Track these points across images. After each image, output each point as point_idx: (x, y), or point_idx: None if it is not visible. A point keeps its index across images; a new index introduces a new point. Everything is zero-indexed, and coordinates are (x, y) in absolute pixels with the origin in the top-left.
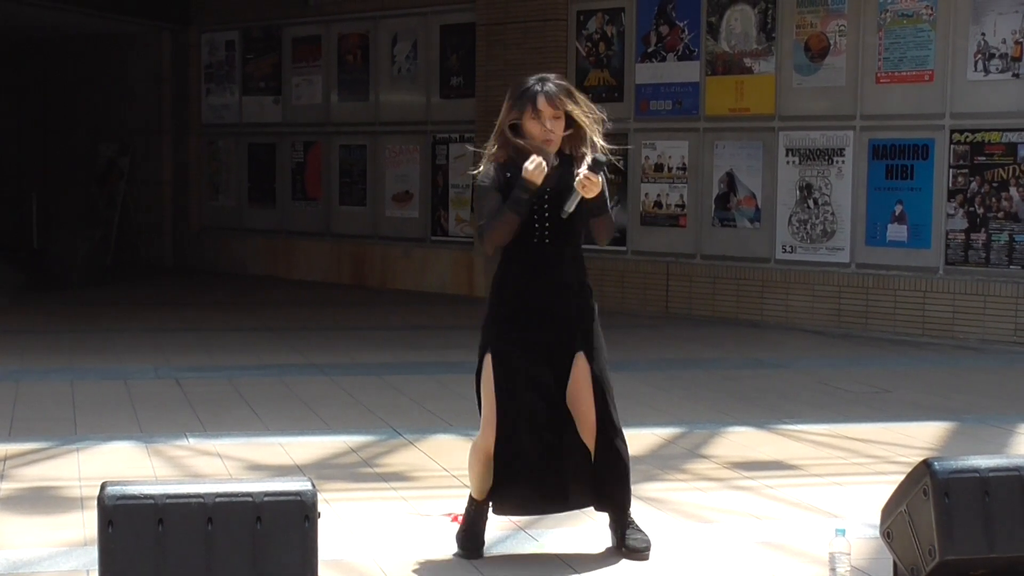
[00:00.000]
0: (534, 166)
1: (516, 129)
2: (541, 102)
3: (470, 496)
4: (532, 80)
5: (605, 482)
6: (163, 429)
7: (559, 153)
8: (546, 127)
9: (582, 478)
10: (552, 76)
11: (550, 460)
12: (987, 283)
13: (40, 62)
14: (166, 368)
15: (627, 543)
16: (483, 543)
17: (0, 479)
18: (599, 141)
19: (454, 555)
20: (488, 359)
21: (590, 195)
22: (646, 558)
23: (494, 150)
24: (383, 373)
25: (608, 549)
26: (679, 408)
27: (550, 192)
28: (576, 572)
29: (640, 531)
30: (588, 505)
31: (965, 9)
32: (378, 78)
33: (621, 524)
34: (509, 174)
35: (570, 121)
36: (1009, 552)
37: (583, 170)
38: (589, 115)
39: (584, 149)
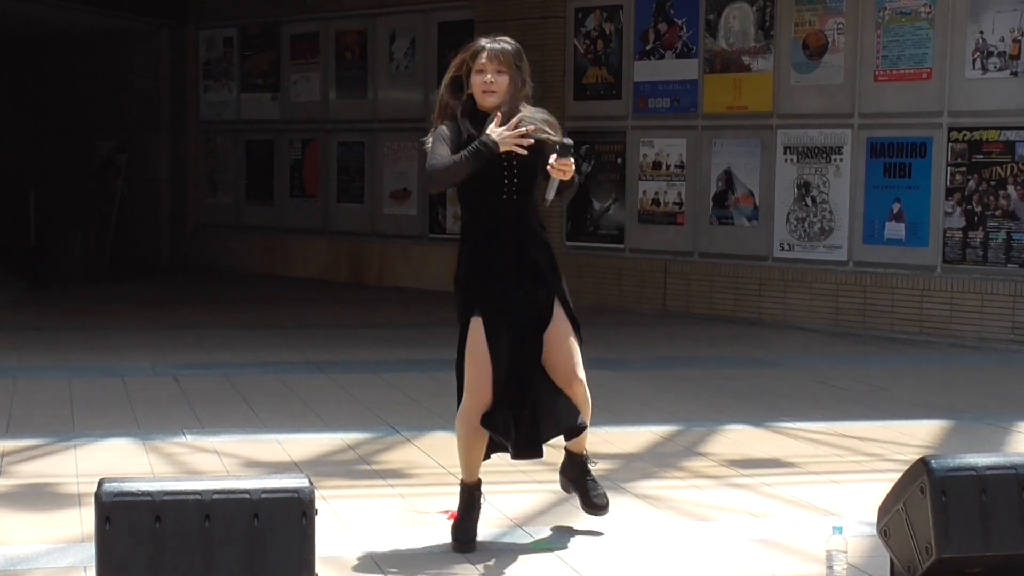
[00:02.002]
0: (500, 137)
1: (458, 81)
2: (483, 56)
3: (461, 482)
4: (485, 39)
5: (570, 414)
6: (160, 426)
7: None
8: (486, 79)
9: (549, 415)
10: (506, 38)
11: (528, 413)
12: (985, 281)
13: (37, 59)
14: (163, 365)
15: (592, 502)
16: (475, 535)
17: None
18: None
19: (450, 548)
20: (478, 323)
21: (566, 179)
22: (606, 512)
23: (446, 99)
24: (381, 370)
25: (602, 543)
26: (676, 406)
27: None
28: (574, 569)
29: (599, 487)
30: (554, 437)
31: (963, 7)
32: (376, 75)
33: (580, 467)
34: (465, 134)
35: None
36: (1005, 550)
37: (553, 157)
38: (525, 79)
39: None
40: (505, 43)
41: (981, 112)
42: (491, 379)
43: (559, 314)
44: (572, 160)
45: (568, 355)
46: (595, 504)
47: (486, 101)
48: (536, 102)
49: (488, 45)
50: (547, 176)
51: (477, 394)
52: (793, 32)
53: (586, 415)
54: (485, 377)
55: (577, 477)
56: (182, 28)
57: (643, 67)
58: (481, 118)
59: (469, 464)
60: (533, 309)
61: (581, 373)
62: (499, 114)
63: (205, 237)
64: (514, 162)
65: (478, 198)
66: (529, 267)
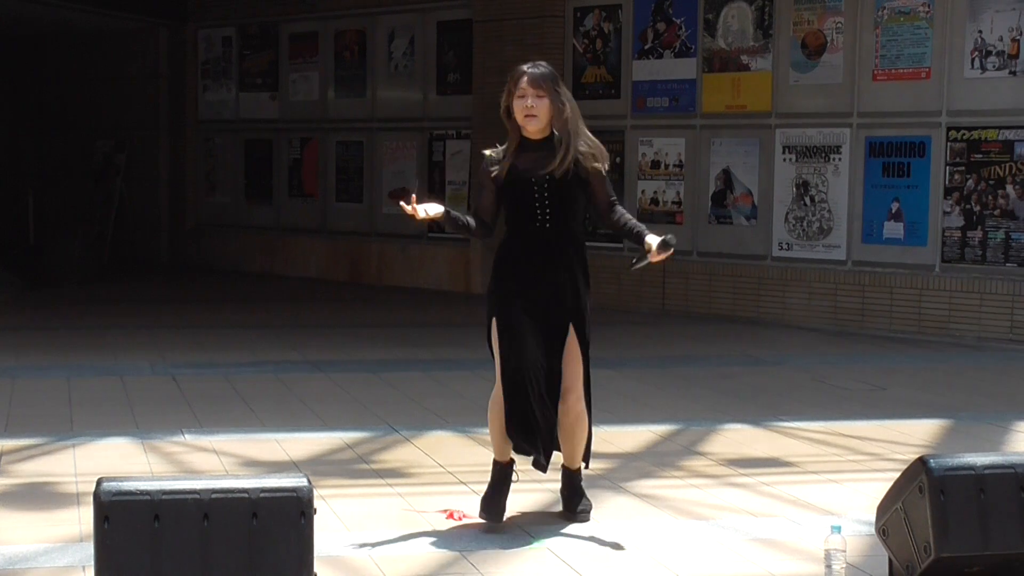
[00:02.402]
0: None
1: (509, 111)
2: (524, 81)
3: (493, 460)
4: (526, 64)
5: (570, 441)
6: (159, 425)
7: (549, 137)
8: (527, 104)
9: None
10: (544, 63)
11: (545, 413)
12: (983, 281)
13: (36, 58)
14: (162, 365)
15: (577, 511)
16: (504, 509)
17: None
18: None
19: (479, 516)
20: (494, 324)
21: (656, 263)
22: (587, 519)
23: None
24: (379, 370)
25: (601, 543)
26: (675, 405)
27: (549, 179)
28: (573, 568)
29: (586, 498)
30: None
31: (962, 7)
32: (375, 74)
33: (574, 487)
34: (494, 168)
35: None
36: (1004, 549)
37: (656, 244)
38: (568, 104)
39: (570, 138)
40: (543, 67)
41: (980, 111)
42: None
43: (571, 339)
44: (671, 252)
45: (570, 375)
46: (580, 511)
47: (529, 126)
48: None
49: (528, 70)
50: (642, 254)
51: (499, 387)
52: (792, 31)
53: (576, 438)
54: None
55: (572, 477)
56: (181, 27)
57: (642, 66)
58: (529, 146)
59: (501, 446)
60: (550, 330)
61: (579, 392)
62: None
63: (204, 236)
64: (546, 193)
65: (515, 222)
66: (551, 290)
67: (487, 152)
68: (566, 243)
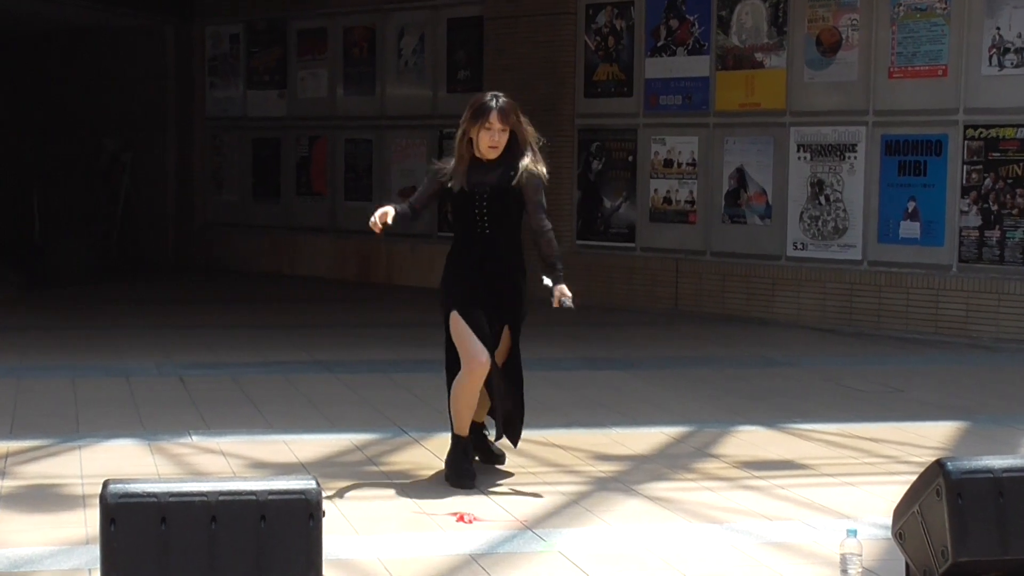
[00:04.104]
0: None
1: (465, 136)
2: (493, 117)
3: (455, 435)
4: (488, 96)
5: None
6: (166, 426)
7: (502, 156)
8: (494, 139)
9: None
10: (502, 95)
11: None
12: (1001, 281)
13: (42, 56)
14: (169, 365)
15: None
16: (475, 474)
17: (1, 476)
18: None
19: (448, 481)
20: (455, 315)
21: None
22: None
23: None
24: (389, 371)
25: (612, 546)
26: (688, 407)
27: (490, 189)
28: (583, 572)
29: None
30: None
31: (979, 3)
32: (384, 72)
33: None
34: (448, 181)
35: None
36: (1023, 554)
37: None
38: (528, 129)
39: (524, 155)
40: (504, 99)
41: (997, 109)
42: (478, 343)
43: (505, 338)
44: (561, 286)
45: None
46: (494, 454)
47: (489, 155)
48: (546, 100)
49: (495, 105)
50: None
51: (472, 366)
52: (806, 28)
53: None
54: (473, 343)
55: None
56: (188, 24)
57: (654, 64)
58: (477, 163)
59: (466, 422)
60: (492, 325)
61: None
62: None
63: (211, 235)
64: (485, 202)
65: (459, 227)
66: (493, 291)
67: (438, 164)
68: (505, 246)
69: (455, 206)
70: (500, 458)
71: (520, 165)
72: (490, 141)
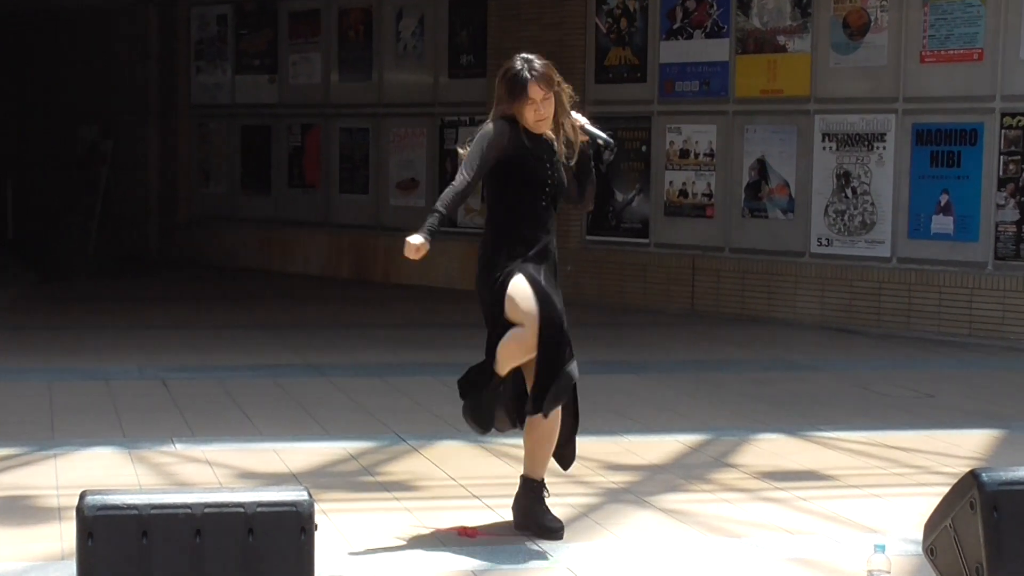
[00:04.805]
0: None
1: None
2: (532, 90)
3: (494, 372)
4: (519, 65)
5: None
6: (148, 434)
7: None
8: (540, 112)
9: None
10: (534, 57)
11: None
12: None
13: (17, 38)
14: (151, 368)
15: (546, 525)
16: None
17: None
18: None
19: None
20: (520, 277)
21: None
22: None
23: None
24: (386, 374)
25: (623, 561)
26: (705, 413)
27: (553, 162)
28: None
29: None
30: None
31: None
32: (382, 56)
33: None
34: (522, 144)
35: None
36: None
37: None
38: (565, 87)
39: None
40: (538, 62)
41: None
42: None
43: None
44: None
45: None
46: (549, 528)
47: (541, 128)
48: None
49: (531, 75)
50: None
51: (535, 327)
52: (832, 10)
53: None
54: (535, 311)
55: (532, 504)
56: (172, 4)
57: (670, 47)
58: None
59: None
60: None
61: None
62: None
63: (197, 230)
64: (554, 172)
65: (518, 198)
66: (551, 271)
67: (491, 124)
68: (553, 221)
69: (513, 177)
70: (556, 531)
71: (571, 140)
72: (536, 116)
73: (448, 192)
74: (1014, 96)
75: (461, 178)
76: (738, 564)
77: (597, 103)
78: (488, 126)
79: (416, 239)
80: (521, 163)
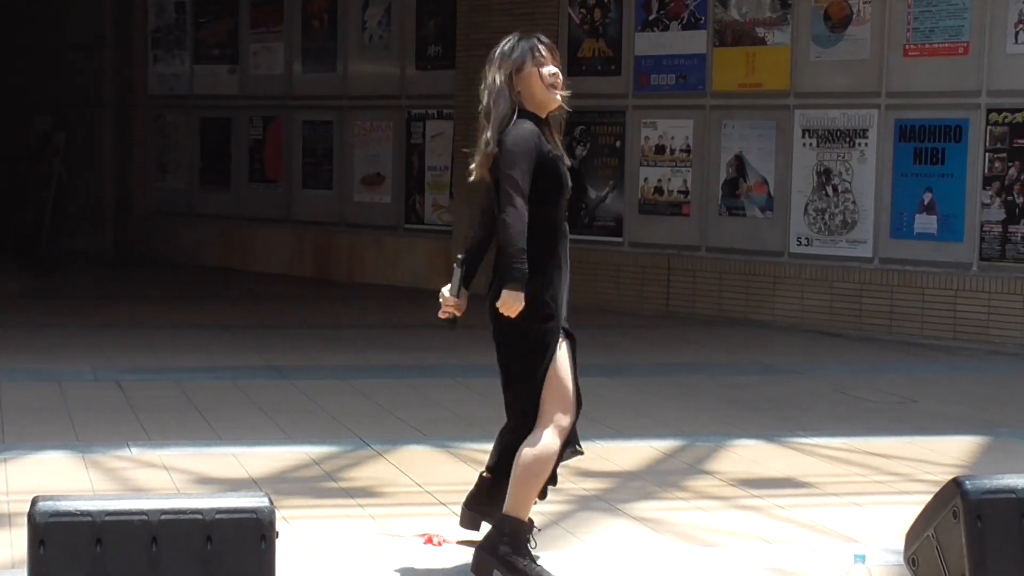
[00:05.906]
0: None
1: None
2: (543, 49)
3: (516, 519)
4: (516, 36)
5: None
6: (102, 437)
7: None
8: (557, 72)
9: None
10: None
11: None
12: None
13: None
14: (106, 369)
15: None
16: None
17: None
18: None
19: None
20: (566, 366)
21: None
22: None
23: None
24: (349, 377)
25: (596, 570)
26: (680, 418)
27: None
28: None
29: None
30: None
31: None
32: (347, 46)
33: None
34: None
35: None
36: None
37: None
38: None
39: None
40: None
41: (1023, 91)
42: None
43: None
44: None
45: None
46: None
47: (553, 98)
48: None
49: (541, 38)
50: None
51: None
52: (813, 1)
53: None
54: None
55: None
56: None
57: (645, 39)
58: (540, 124)
59: (530, 503)
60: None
61: None
62: None
63: (154, 225)
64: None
65: (555, 209)
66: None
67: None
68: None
69: (549, 191)
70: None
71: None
72: (551, 78)
73: (517, 228)
74: (1001, 91)
75: (520, 204)
76: (713, 574)
77: (570, 96)
78: (516, 131)
79: (517, 297)
80: (555, 165)
